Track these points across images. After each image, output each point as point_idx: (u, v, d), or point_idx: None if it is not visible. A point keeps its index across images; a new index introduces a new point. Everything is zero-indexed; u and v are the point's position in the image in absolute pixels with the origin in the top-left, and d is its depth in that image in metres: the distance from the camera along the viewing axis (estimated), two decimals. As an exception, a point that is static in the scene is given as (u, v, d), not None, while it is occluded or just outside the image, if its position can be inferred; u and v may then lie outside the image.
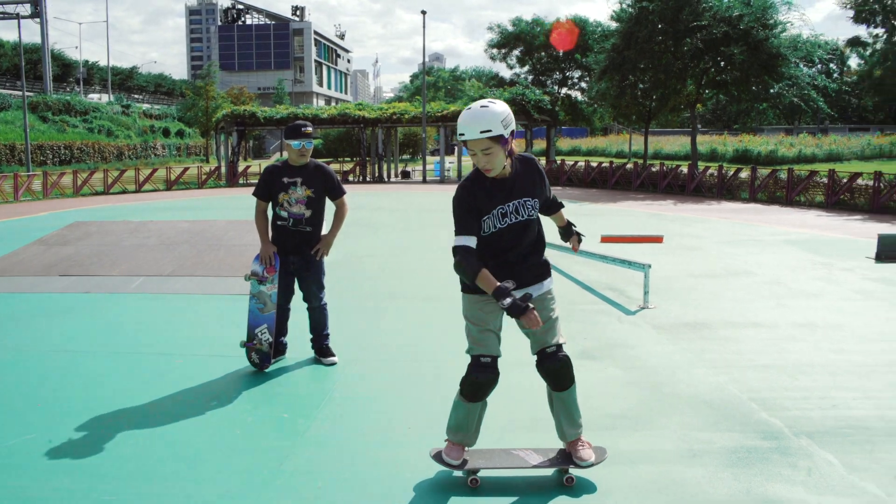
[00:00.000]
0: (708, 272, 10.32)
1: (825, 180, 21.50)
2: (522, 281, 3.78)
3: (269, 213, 5.88)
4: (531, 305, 3.55)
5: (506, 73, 51.70)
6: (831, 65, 71.82)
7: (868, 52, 26.55)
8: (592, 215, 18.63)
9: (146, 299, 8.69)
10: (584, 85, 46.35)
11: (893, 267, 10.93)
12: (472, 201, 3.66)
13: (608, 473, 4.03)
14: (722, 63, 29.67)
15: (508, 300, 3.50)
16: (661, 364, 6.03)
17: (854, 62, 63.44)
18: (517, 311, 3.50)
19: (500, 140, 3.56)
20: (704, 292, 8.94)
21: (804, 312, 7.90)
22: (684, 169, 27.18)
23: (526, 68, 48.77)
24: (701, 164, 29.90)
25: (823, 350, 6.49)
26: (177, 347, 6.57)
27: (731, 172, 25.11)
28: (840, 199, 20.92)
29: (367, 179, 36.97)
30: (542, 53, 47.35)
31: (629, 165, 29.66)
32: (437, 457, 3.93)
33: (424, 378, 5.72)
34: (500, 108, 3.60)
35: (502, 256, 3.76)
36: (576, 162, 33.32)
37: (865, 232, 15.03)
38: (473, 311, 3.81)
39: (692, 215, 18.63)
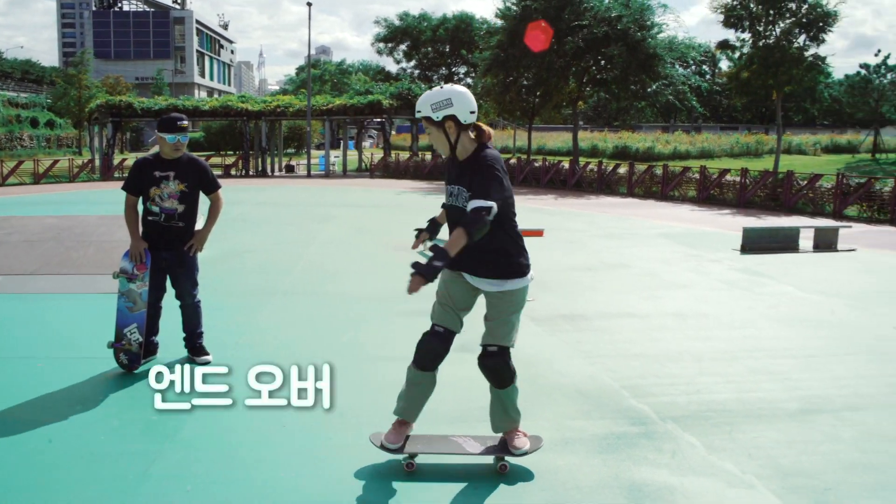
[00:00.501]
0: (586, 265, 10.61)
1: (697, 176, 22.52)
2: (470, 268, 3.90)
3: (140, 207, 5.65)
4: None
5: (393, 68, 51.77)
6: (704, 66, 75.33)
7: (736, 55, 27.75)
8: (477, 210, 18.81)
9: (5, 300, 8.20)
10: (469, 81, 46.79)
11: (756, 258, 11.55)
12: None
13: (482, 464, 4.09)
14: (602, 62, 30.64)
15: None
16: (538, 355, 6.15)
17: (725, 64, 67.02)
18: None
19: (432, 123, 3.73)
20: (582, 285, 9.19)
21: (675, 303, 8.24)
22: (566, 164, 27.91)
23: (412, 63, 48.92)
24: (582, 160, 30.77)
25: (691, 338, 6.79)
26: (38, 350, 6.21)
27: (611, 168, 25.96)
28: (711, 194, 21.96)
29: (250, 174, 36.19)
30: (429, 49, 47.61)
31: (512, 161, 30.15)
32: (377, 440, 3.98)
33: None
34: (436, 92, 3.74)
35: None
36: (461, 157, 33.52)
37: (733, 225, 15.81)
38: (439, 281, 3.90)
39: (573, 209, 19.14)
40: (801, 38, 25.67)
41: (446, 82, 48.24)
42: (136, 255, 5.51)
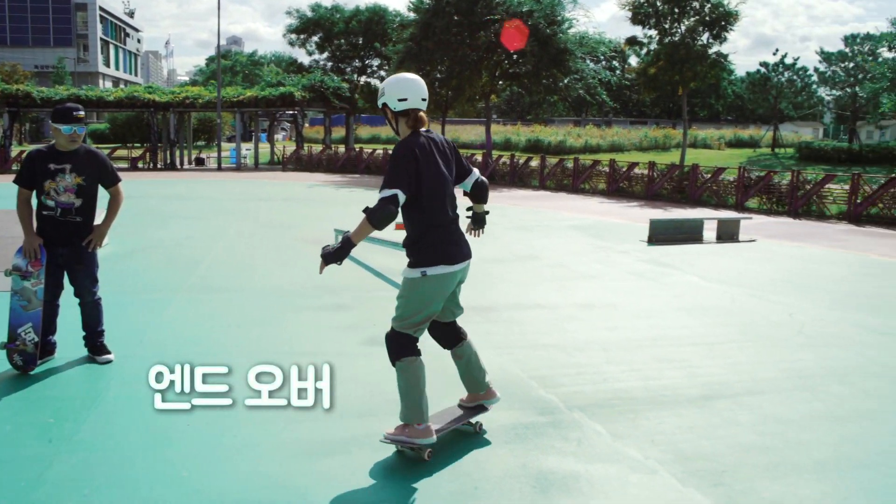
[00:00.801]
0: (498, 257, 10.70)
1: (607, 169, 23.01)
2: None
3: (36, 202, 5.41)
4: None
5: (306, 60, 50.96)
6: (615, 62, 77.01)
7: (644, 52, 28.47)
8: (391, 203, 18.77)
9: None
10: (383, 73, 46.60)
11: (663, 249, 11.88)
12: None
13: (391, 455, 4.08)
14: (514, 56, 30.97)
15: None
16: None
17: (634, 60, 68.59)
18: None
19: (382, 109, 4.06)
20: (493, 276, 9.27)
21: (583, 294, 8.40)
22: (479, 157, 28.09)
23: (325, 55, 48.31)
24: (495, 153, 31.03)
25: (598, 328, 6.93)
26: (-76, 351, 5.88)
27: (523, 161, 26.27)
28: (620, 186, 22.48)
29: (158, 166, 35.15)
30: (342, 41, 47.10)
31: (427, 154, 30.10)
32: (396, 441, 4.07)
33: (208, 373, 5.51)
34: (386, 81, 4.04)
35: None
36: (374, 150, 33.43)
37: (641, 217, 16.21)
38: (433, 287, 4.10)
39: (486, 202, 19.26)
40: (705, 36, 26.48)
41: (359, 75, 48.26)
42: (30, 251, 5.27)
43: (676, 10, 26.40)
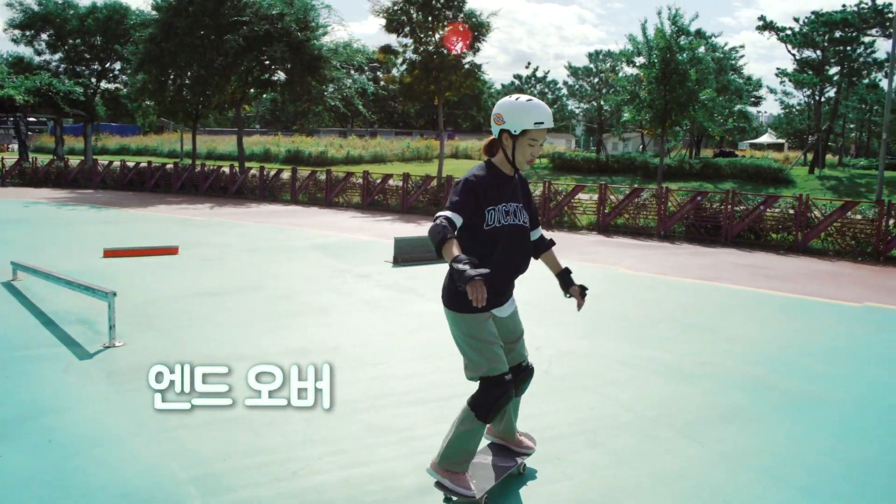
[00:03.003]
0: (214, 289, 9.02)
1: (361, 181, 21.84)
2: (499, 299, 3.85)
3: None
4: (480, 278, 3.16)
5: (37, 59, 45.33)
6: (379, 72, 76.91)
7: (400, 61, 27.72)
8: (110, 223, 16.37)
9: None
10: (125, 78, 42.55)
11: (408, 271, 10.77)
12: (484, 189, 3.63)
13: None
14: (266, 62, 29.11)
15: (461, 265, 3.21)
16: (81, 440, 4.48)
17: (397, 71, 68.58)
18: (465, 279, 3.16)
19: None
20: (196, 317, 7.60)
21: (301, 336, 6.95)
22: (226, 170, 25.91)
23: (59, 55, 43.36)
24: (253, 165, 28.94)
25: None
26: None
27: (273, 173, 24.47)
28: (375, 199, 21.39)
29: None
30: (77, 40, 42.48)
31: (169, 166, 27.45)
32: (449, 490, 3.75)
33: None
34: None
35: (501, 260, 3.70)
36: (111, 162, 30.04)
37: (392, 233, 15.12)
38: (478, 327, 3.71)
39: (227, 220, 17.38)
40: (459, 46, 26.16)
41: (99, 79, 43.88)
42: None
43: (430, 19, 25.87)
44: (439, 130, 27.31)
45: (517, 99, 3.66)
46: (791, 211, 15.68)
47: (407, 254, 11.52)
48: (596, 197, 18.17)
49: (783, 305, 9.54)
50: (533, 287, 9.80)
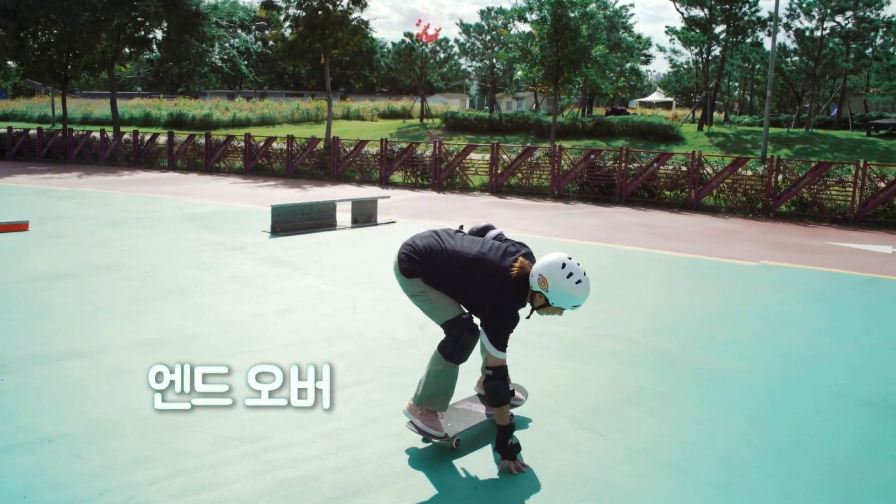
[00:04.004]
0: (64, 270, 7.93)
1: (243, 145, 20.59)
2: None
3: None
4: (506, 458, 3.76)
5: None
6: (267, 31, 74.19)
7: (283, 17, 26.26)
8: (-41, 196, 14.74)
9: None
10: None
11: (287, 241, 9.93)
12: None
13: None
14: (140, 18, 27.16)
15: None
16: None
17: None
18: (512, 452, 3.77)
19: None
20: (37, 305, 6.55)
21: (155, 322, 6.06)
22: (97, 135, 24.05)
23: None
24: (129, 130, 27.05)
25: (142, 391, 4.67)
26: None
27: (148, 138, 22.84)
28: (258, 164, 20.23)
29: None
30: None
31: (32, 132, 25.26)
32: (420, 430, 3.91)
33: None
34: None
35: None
36: None
37: (274, 199, 14.15)
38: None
39: (93, 189, 15.95)
40: (345, 2, 24.98)
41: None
42: None
43: (314, -27, 24.57)
44: (327, 91, 26.14)
45: (569, 276, 3.65)
46: (684, 168, 15.51)
47: (286, 222, 10.65)
48: (488, 157, 17.57)
49: (681, 266, 9.20)
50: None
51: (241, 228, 10.93)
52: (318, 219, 11.05)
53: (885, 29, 40.49)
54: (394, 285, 7.50)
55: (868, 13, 38.59)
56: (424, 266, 3.88)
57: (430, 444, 4.01)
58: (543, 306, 3.76)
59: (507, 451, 3.73)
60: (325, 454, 3.86)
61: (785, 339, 6.10)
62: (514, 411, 4.25)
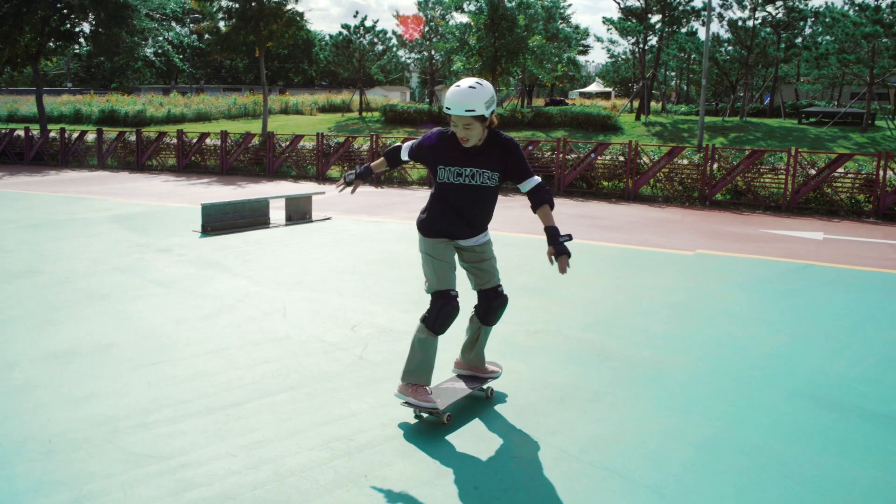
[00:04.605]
0: (-27, 277, 7.54)
1: (175, 142, 20.04)
2: (454, 233, 4.25)
3: None
4: (353, 180, 4.60)
5: None
6: (205, 23, 72.80)
7: (215, 9, 25.64)
8: None
9: None
10: None
11: (218, 241, 9.62)
12: (433, 149, 4.22)
13: None
14: (65, 10, 26.22)
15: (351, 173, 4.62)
16: None
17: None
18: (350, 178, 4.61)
19: (481, 119, 4.00)
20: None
21: (68, 334, 5.75)
22: (21, 133, 23.18)
23: None
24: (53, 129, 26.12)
25: (50, 414, 4.40)
26: None
27: (76, 136, 22.08)
28: (192, 161, 19.71)
29: None
30: None
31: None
32: (414, 405, 4.16)
33: None
34: (487, 90, 4.03)
35: (447, 205, 4.20)
36: None
37: (207, 197, 13.78)
38: (431, 245, 4.23)
39: (15, 190, 15.32)
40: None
41: None
42: None
43: (247, -37, 24.02)
44: (262, 84, 25.63)
45: (455, 85, 4.06)
46: (621, 158, 15.57)
47: (217, 221, 10.33)
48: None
49: (618, 258, 9.17)
50: (356, 252, 8.93)
51: (171, 229, 10.57)
52: (250, 217, 10.76)
53: (813, 19, 41.48)
54: (325, 285, 7.32)
55: (797, 3, 39.46)
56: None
57: (358, 455, 3.83)
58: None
59: (560, 247, 4.14)
60: (245, 468, 3.65)
61: (719, 331, 6.08)
62: (493, 384, 4.70)
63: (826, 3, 46.49)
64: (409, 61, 53.14)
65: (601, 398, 4.62)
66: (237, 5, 24.10)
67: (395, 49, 49.06)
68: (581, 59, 66.87)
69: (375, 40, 46.31)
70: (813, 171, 13.95)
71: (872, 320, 6.53)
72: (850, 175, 13.87)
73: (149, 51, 28.39)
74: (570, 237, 4.16)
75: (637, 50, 42.92)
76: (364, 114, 44.49)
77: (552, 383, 4.85)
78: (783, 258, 9.27)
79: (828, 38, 38.99)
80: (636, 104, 40.97)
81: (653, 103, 45.11)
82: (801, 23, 41.00)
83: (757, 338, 5.91)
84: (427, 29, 46.62)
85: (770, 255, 9.42)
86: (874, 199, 13.36)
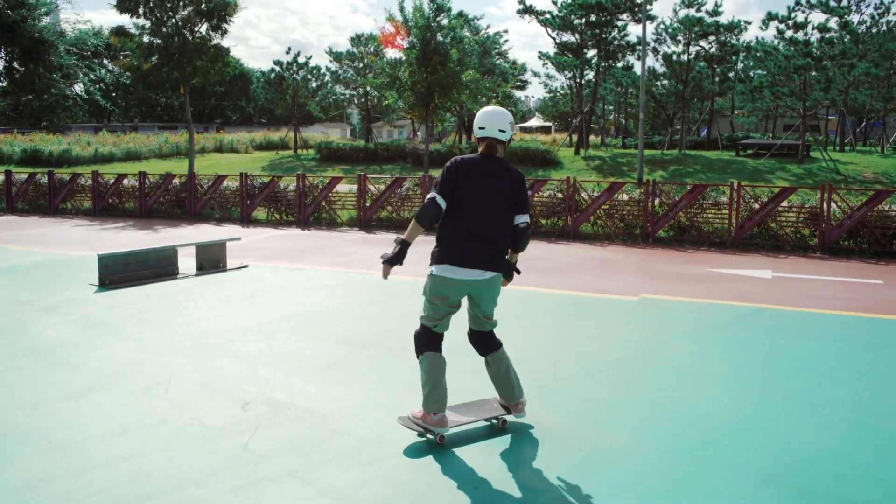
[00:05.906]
0: None
1: (91, 183, 18.84)
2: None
3: None
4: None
5: None
6: (125, 59, 70.94)
7: (136, 45, 24.48)
8: None
9: None
10: None
11: (117, 296, 8.59)
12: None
13: None
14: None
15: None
16: None
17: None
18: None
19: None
20: None
21: None
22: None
23: None
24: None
25: None
26: None
27: (-15, 179, 20.65)
28: (109, 203, 18.52)
29: None
30: None
31: None
32: (422, 427, 4.34)
33: None
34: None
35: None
36: None
37: (118, 244, 12.69)
38: (431, 284, 4.44)
39: None
40: (204, 28, 23.56)
41: None
42: None
43: (169, -2, 23.02)
44: (188, 122, 24.57)
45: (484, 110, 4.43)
46: (559, 195, 14.94)
47: (117, 273, 9.29)
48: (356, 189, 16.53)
49: (556, 305, 8.42)
50: (267, 306, 7.90)
51: (65, 282, 9.49)
52: (155, 267, 9.74)
53: (745, 53, 42.07)
54: (223, 348, 6.38)
55: (729, 38, 39.93)
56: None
57: None
58: (478, 142, 4.49)
59: (393, 258, 4.44)
60: None
61: (671, 395, 5.32)
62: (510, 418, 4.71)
63: (756, 38, 47.33)
64: (345, 98, 52.39)
65: (536, 497, 3.78)
66: (159, 41, 23.06)
67: (330, 85, 48.28)
68: (520, 94, 67.15)
69: (310, 76, 45.44)
70: (757, 206, 13.50)
71: (836, 373, 5.87)
72: (794, 209, 13.45)
73: (78, 88, 26.96)
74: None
75: (574, 84, 42.90)
76: (299, 151, 43.48)
77: (473, 478, 3.98)
78: (733, 301, 8.63)
79: (760, 71, 39.51)
80: (575, 138, 40.83)
81: (592, 137, 45.11)
82: (734, 56, 41.51)
83: (713, 402, 5.17)
84: (361, 65, 46.05)
85: (719, 299, 8.77)
86: (819, 233, 12.94)
